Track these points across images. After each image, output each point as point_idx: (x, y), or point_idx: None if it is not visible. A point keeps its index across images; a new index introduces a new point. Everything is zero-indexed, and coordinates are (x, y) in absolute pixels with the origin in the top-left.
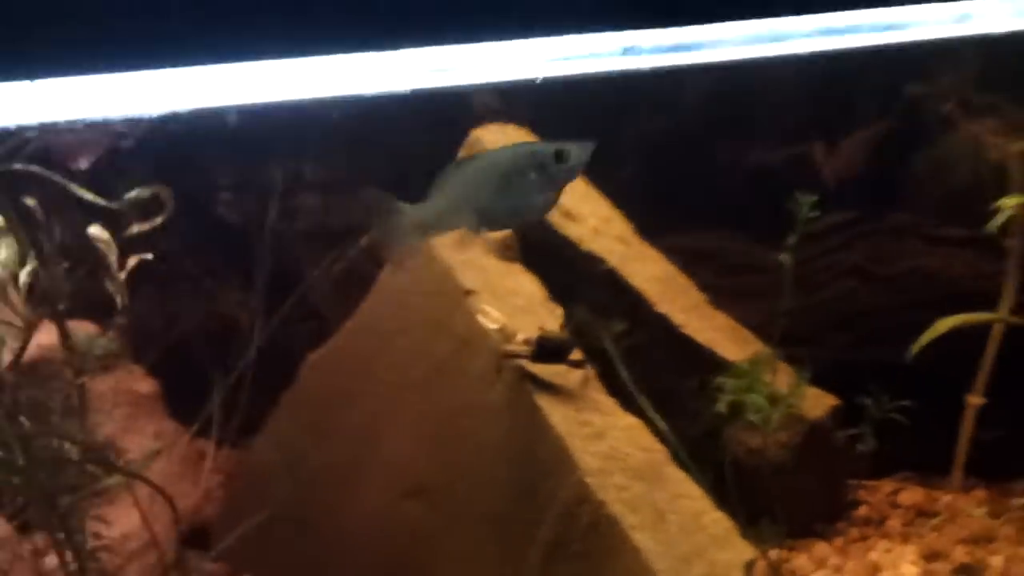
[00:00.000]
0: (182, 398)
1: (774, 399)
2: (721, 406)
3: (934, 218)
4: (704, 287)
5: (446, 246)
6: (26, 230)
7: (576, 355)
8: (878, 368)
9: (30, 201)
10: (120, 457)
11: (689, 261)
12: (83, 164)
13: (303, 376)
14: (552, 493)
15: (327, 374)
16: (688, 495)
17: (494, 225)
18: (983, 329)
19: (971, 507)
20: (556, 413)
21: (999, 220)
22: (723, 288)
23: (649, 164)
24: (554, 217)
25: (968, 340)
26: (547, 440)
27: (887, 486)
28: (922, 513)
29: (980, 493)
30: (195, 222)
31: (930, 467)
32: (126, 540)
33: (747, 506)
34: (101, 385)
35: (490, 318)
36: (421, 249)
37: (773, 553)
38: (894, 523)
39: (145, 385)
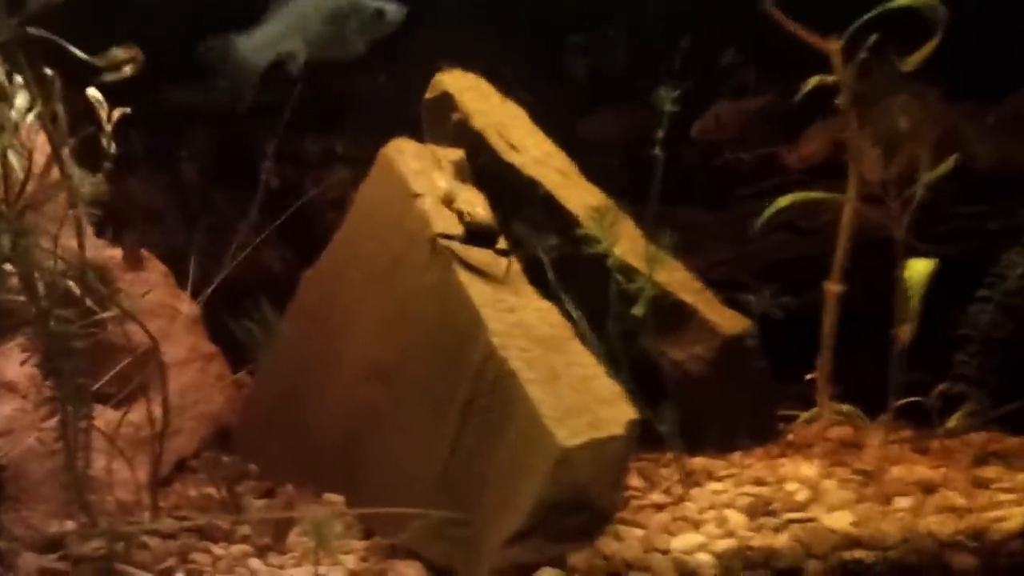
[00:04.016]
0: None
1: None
2: (637, 309)
3: None
4: None
5: (404, 158)
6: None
7: (502, 244)
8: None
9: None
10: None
11: None
12: None
13: (300, 289)
14: (469, 356)
15: (316, 284)
16: (583, 364)
17: (313, 53)
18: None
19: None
20: (475, 287)
21: None
22: None
23: None
24: (500, 147)
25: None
26: (466, 309)
27: (823, 423)
28: (847, 444)
29: (907, 432)
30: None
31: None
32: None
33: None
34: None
35: (440, 181)
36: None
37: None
38: (817, 450)
39: (186, 306)
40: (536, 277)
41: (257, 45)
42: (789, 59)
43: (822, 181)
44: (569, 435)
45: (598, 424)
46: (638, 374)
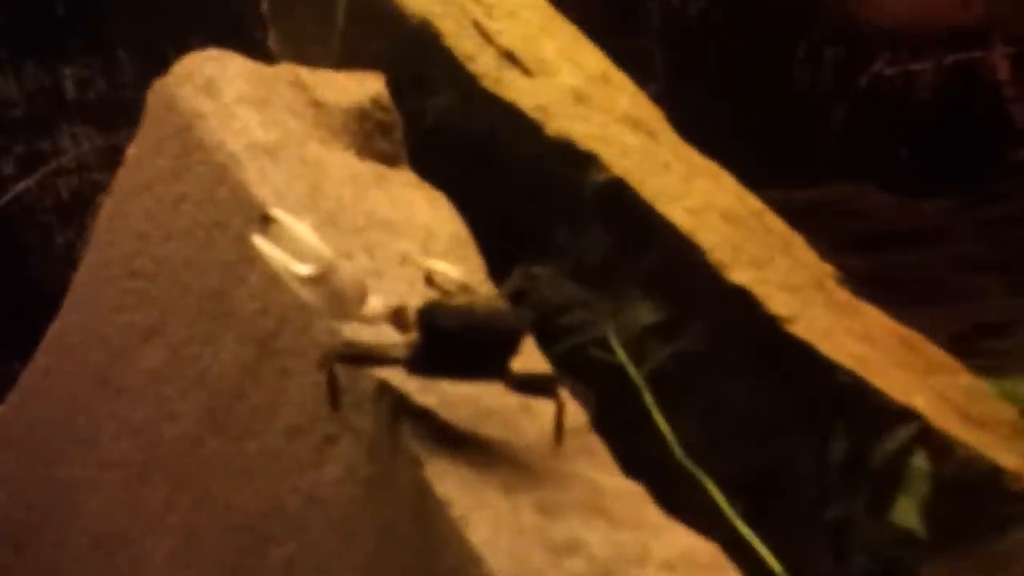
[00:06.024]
0: None
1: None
2: (906, 516)
3: None
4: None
5: (224, 110)
6: None
7: (533, 356)
8: None
9: None
10: None
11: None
12: None
13: None
14: None
15: (16, 443)
16: None
17: None
18: None
19: None
20: (485, 519)
21: None
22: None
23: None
24: (481, 61)
25: None
26: None
27: None
28: None
29: None
30: None
31: None
32: None
33: None
34: None
35: (291, 244)
36: None
37: None
38: None
39: None
40: (612, 420)
41: None
42: None
43: None
44: None
45: None
46: None
